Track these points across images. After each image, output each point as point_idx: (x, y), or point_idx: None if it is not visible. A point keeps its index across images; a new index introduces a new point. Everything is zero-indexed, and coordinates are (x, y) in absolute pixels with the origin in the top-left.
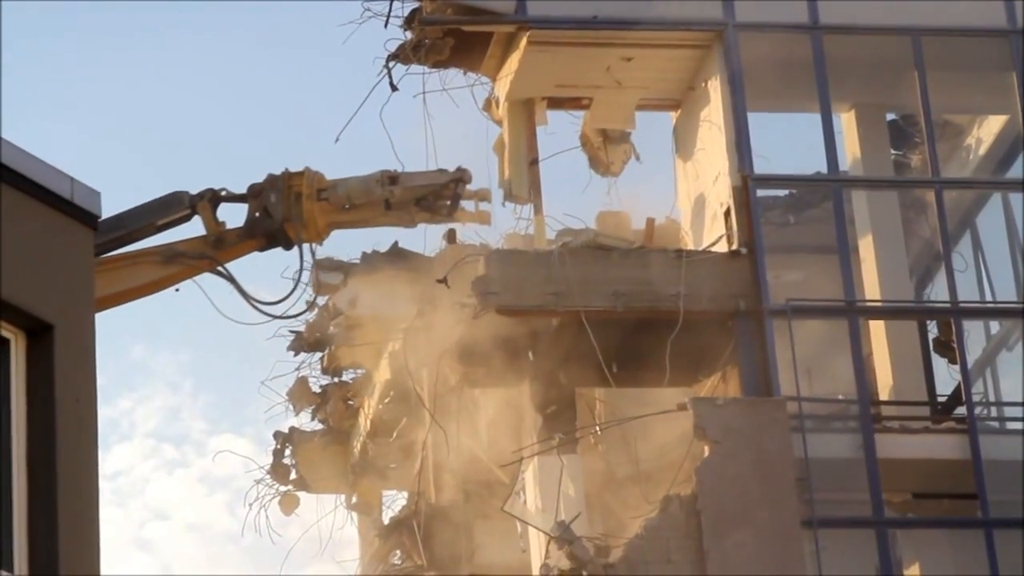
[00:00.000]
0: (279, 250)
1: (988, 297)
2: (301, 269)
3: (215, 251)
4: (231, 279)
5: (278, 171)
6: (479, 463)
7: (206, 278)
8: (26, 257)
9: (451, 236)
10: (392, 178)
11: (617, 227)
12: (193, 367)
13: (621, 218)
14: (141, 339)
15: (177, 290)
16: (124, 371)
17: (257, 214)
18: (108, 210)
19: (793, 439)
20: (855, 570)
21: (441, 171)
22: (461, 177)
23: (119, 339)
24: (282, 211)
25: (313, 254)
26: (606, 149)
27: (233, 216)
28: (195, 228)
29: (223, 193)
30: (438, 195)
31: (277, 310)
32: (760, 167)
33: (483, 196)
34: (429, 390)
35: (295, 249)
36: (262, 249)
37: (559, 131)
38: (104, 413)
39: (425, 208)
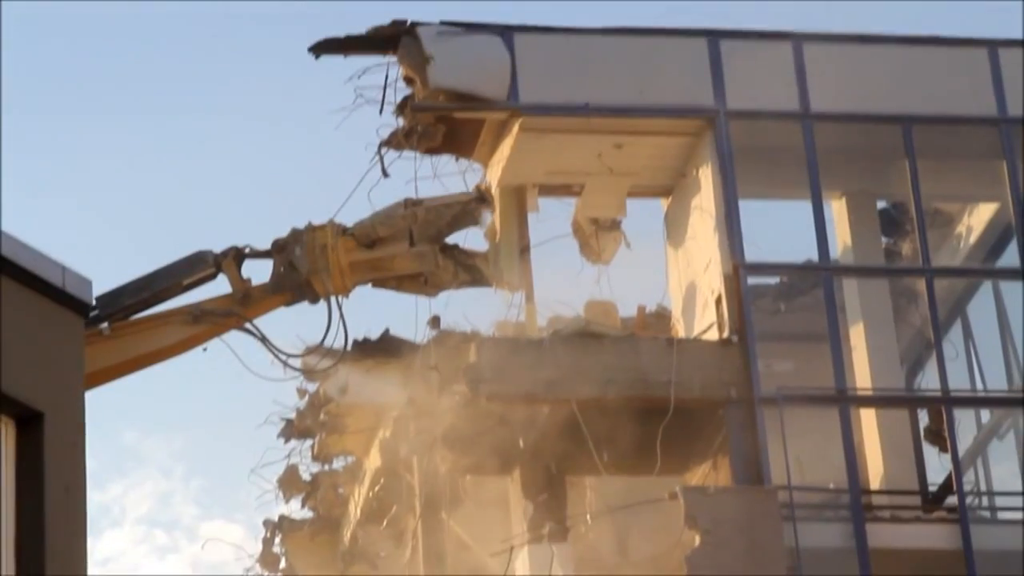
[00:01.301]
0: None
1: (979, 386)
2: (330, 321)
3: (242, 308)
4: (260, 335)
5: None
6: (470, 551)
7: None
8: (17, 345)
9: (435, 322)
10: (415, 202)
11: (605, 316)
12: (184, 452)
13: (608, 307)
14: (132, 424)
15: (205, 349)
16: (115, 456)
17: (282, 269)
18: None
19: (784, 528)
20: None
21: (462, 193)
22: (482, 196)
23: (110, 424)
24: (307, 264)
25: (340, 307)
26: (597, 236)
27: (258, 274)
28: (220, 287)
29: (247, 250)
30: (463, 252)
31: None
32: (751, 255)
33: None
34: (420, 478)
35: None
36: (288, 304)
37: (551, 217)
38: (95, 498)
39: (449, 256)
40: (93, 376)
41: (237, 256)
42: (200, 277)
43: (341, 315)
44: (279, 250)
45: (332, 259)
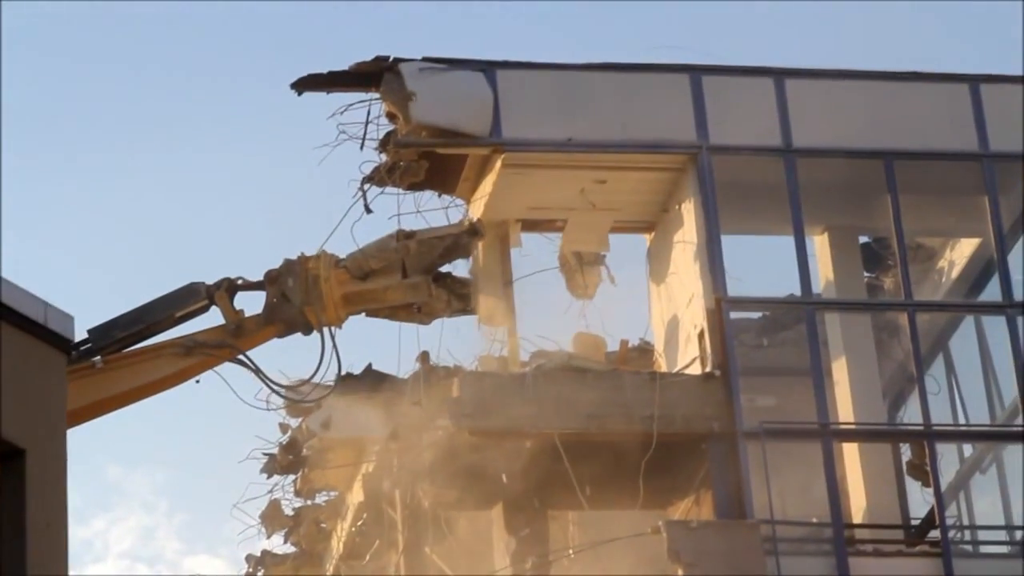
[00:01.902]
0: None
1: (961, 420)
2: (323, 353)
3: (235, 339)
4: (253, 366)
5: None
6: None
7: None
8: None
9: (424, 358)
10: (407, 234)
11: (594, 349)
12: (168, 487)
13: (597, 341)
14: (116, 459)
15: (197, 381)
16: (99, 491)
17: (275, 300)
18: (80, 334)
19: (767, 562)
20: None
21: (454, 225)
22: (475, 228)
23: (93, 459)
24: (300, 295)
25: (333, 337)
26: (582, 271)
27: (250, 305)
28: (213, 318)
29: (240, 282)
30: (456, 280)
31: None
32: (733, 289)
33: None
34: (402, 512)
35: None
36: (281, 335)
37: (534, 252)
38: (78, 533)
39: (442, 285)
40: (87, 409)
41: (230, 288)
42: (193, 309)
43: (335, 346)
44: (272, 281)
45: (325, 291)
